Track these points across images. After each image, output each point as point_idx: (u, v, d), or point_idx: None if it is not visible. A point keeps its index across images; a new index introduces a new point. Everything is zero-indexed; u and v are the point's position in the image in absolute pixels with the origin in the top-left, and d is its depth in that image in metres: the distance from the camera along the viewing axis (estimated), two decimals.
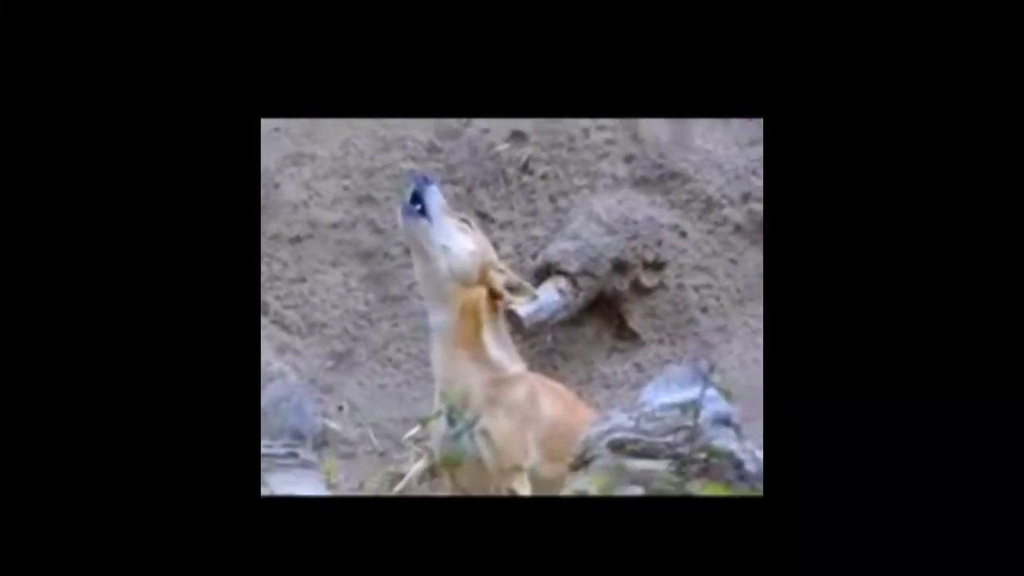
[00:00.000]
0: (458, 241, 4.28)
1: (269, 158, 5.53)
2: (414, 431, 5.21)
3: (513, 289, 4.37)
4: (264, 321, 5.48)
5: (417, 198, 4.28)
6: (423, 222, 4.26)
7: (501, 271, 4.37)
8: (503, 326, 4.40)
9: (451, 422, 3.63)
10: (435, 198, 4.30)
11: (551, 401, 4.38)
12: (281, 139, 5.56)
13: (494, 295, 4.31)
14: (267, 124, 5.31)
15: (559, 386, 4.62)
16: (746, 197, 5.45)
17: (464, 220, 4.41)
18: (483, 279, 4.29)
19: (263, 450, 3.53)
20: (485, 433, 4.11)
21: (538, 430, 4.27)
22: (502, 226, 5.57)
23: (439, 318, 4.26)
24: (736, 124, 5.47)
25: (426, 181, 4.34)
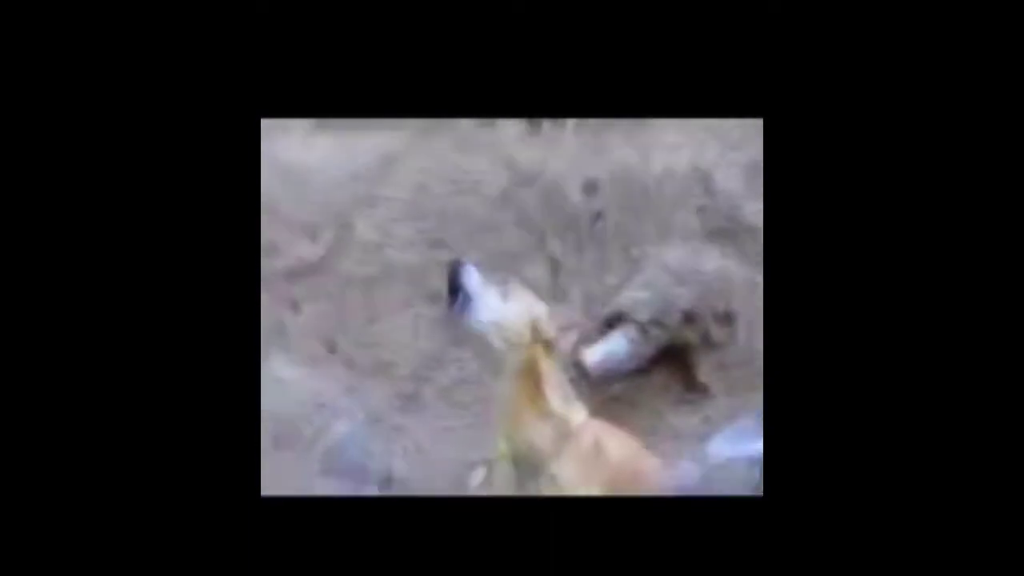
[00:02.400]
0: (505, 311, 4.32)
1: (344, 198, 5.57)
2: (480, 475, 5.22)
3: (564, 328, 4.40)
4: (334, 360, 5.51)
5: (455, 288, 4.33)
6: (469, 308, 4.30)
7: (550, 318, 4.40)
8: (562, 375, 4.41)
9: (517, 467, 3.63)
10: (471, 279, 4.34)
11: (616, 449, 4.38)
12: (357, 183, 5.61)
13: (548, 344, 4.34)
14: (343, 167, 5.36)
15: (623, 433, 4.62)
16: None
17: (502, 283, 4.43)
18: (536, 335, 4.32)
19: (332, 490, 3.54)
20: (552, 478, 4.11)
21: (603, 478, 4.27)
22: (572, 274, 5.58)
23: (500, 385, 4.30)
24: None
25: (456, 268, 4.38)
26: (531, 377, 4.28)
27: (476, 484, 5.24)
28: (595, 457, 4.28)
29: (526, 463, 4.02)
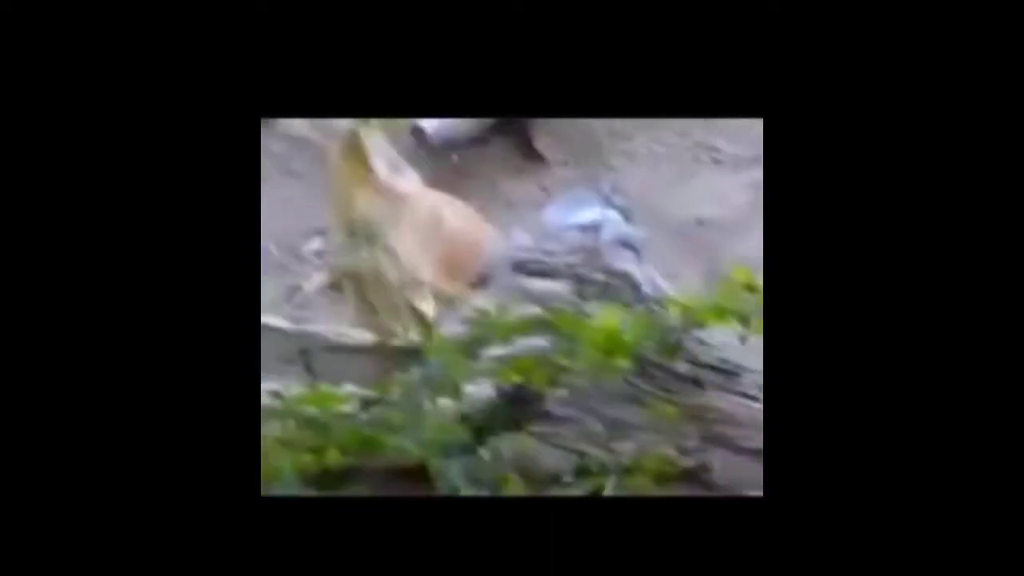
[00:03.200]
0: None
1: None
2: (315, 244, 5.23)
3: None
4: None
5: None
6: None
7: None
8: (388, 147, 4.41)
9: (352, 235, 3.65)
10: None
11: (454, 219, 4.41)
12: None
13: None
14: None
15: (463, 204, 4.64)
16: None
17: None
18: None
19: None
20: (388, 248, 4.14)
21: (440, 247, 4.31)
22: None
23: (329, 159, 4.31)
24: None
25: None
26: (356, 154, 4.27)
27: (311, 251, 5.25)
28: (432, 227, 4.30)
29: (361, 234, 4.03)
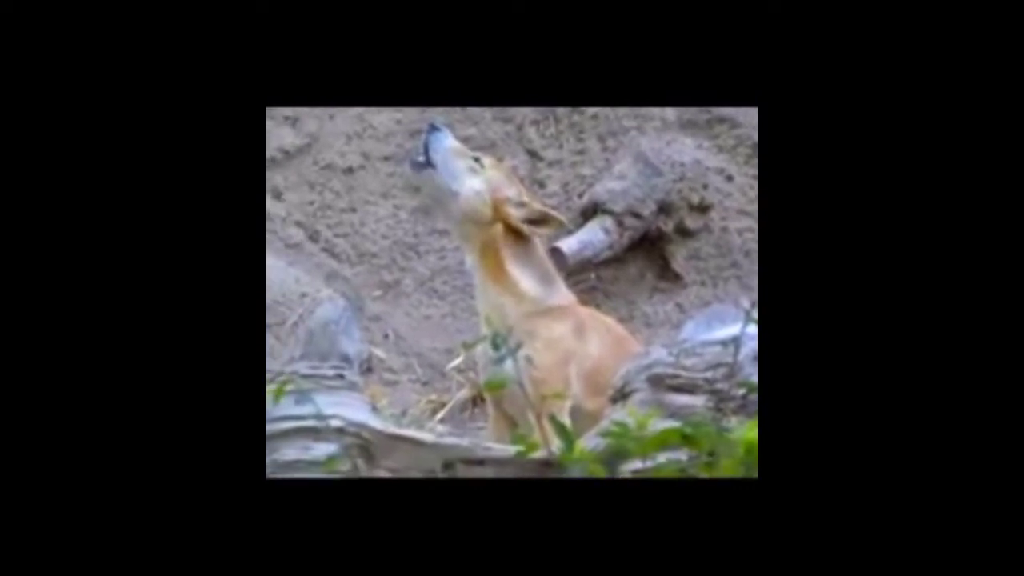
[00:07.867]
0: (466, 183, 4.33)
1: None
2: (458, 361, 5.30)
3: (537, 221, 4.39)
4: (315, 248, 5.57)
5: (426, 148, 4.35)
6: (428, 171, 4.34)
7: (522, 204, 4.39)
8: (539, 260, 4.42)
9: (495, 347, 3.71)
10: (441, 144, 4.36)
11: (599, 336, 4.41)
12: None
13: (515, 230, 4.35)
14: None
15: (611, 321, 4.65)
16: None
17: (476, 159, 4.42)
18: (498, 216, 4.34)
19: (311, 371, 3.58)
20: (528, 360, 4.17)
21: (582, 364, 4.33)
22: (550, 164, 5.64)
23: (469, 258, 4.36)
24: None
25: (432, 128, 4.40)
26: (492, 256, 4.31)
27: (452, 367, 5.32)
28: (575, 345, 4.33)
29: (504, 343, 4.08)
